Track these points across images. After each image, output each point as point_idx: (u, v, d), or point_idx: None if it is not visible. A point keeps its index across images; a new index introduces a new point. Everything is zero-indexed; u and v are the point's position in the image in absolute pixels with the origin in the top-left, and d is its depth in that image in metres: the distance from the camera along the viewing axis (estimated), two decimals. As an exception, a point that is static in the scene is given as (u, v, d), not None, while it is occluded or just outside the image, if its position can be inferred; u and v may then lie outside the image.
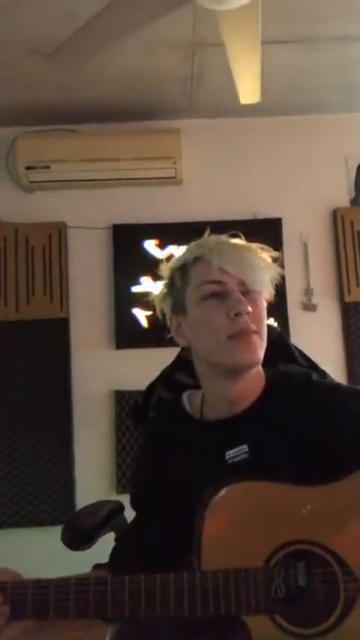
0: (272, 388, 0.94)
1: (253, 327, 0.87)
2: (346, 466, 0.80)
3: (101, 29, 1.63)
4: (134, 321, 2.52)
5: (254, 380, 0.92)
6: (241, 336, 0.87)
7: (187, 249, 0.95)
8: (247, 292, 0.89)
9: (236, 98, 2.00)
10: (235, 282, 0.88)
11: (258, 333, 0.88)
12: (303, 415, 0.88)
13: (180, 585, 0.73)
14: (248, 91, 1.96)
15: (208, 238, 0.95)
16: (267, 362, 0.98)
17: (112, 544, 1.06)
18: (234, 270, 0.88)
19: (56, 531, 1.24)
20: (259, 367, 0.94)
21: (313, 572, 0.76)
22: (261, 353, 0.89)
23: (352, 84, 2.47)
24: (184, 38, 2.09)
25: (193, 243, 0.96)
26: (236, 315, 0.86)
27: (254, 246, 0.94)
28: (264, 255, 0.93)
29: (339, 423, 0.87)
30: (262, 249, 0.94)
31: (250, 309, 0.87)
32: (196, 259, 0.91)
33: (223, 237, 0.95)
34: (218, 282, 0.88)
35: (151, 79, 2.36)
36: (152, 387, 1.16)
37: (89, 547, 1.17)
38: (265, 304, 0.92)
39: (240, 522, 0.78)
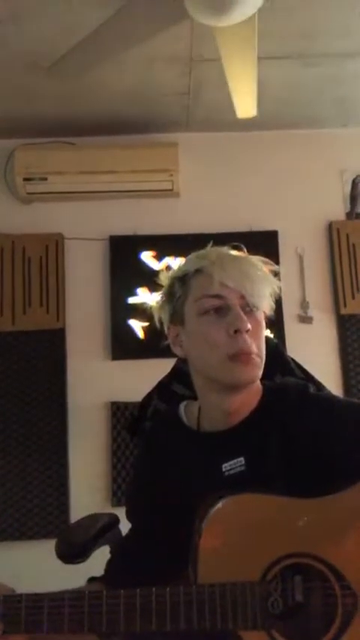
0: (269, 400, 0.93)
1: (253, 347, 0.87)
2: (343, 479, 0.80)
3: (100, 44, 1.65)
4: (131, 332, 2.52)
5: (251, 392, 0.92)
6: (240, 356, 0.86)
7: (189, 260, 0.94)
8: (247, 307, 0.88)
9: (233, 112, 2.02)
10: (235, 296, 0.88)
11: (257, 352, 0.88)
12: (300, 428, 0.88)
13: (176, 599, 0.72)
14: (245, 106, 1.98)
15: (210, 250, 0.95)
16: (263, 374, 0.98)
17: (107, 557, 1.05)
18: (235, 284, 0.87)
19: (50, 545, 1.22)
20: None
21: (310, 586, 0.75)
22: (259, 372, 0.89)
23: (347, 99, 2.50)
24: (181, 53, 2.12)
25: (194, 254, 0.95)
26: (235, 332, 0.86)
27: (256, 259, 0.93)
28: (265, 268, 0.92)
29: (336, 435, 0.87)
30: (264, 262, 0.93)
31: (249, 326, 0.86)
32: (197, 271, 0.91)
33: (225, 250, 0.94)
34: (218, 297, 0.88)
35: (149, 93, 2.39)
36: (148, 398, 1.16)
37: (84, 561, 1.16)
38: (264, 320, 0.92)
39: (237, 535, 0.77)
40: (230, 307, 0.87)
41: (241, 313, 0.87)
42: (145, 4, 1.51)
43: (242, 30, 1.56)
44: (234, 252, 0.94)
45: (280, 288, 0.94)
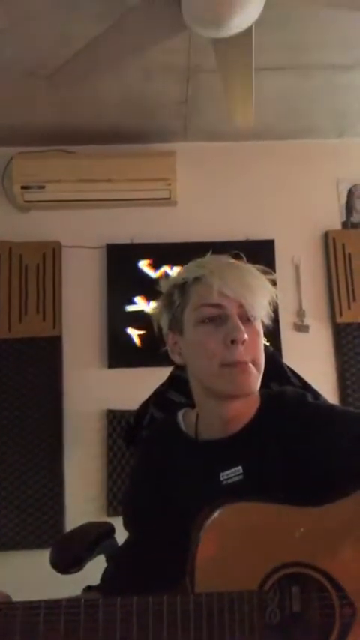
0: (267, 409, 0.93)
1: (248, 357, 0.86)
2: (340, 488, 0.79)
3: (98, 54, 1.66)
4: (127, 340, 2.51)
5: (249, 401, 0.92)
6: (235, 364, 0.86)
7: (188, 268, 0.94)
8: (245, 317, 0.88)
9: (230, 122, 2.04)
10: (234, 305, 0.88)
11: (254, 362, 0.87)
12: (298, 436, 0.88)
13: (173, 608, 0.71)
14: (242, 116, 2.00)
15: (210, 258, 0.94)
16: (261, 382, 0.98)
17: (103, 567, 1.04)
18: (234, 293, 0.87)
19: (45, 554, 1.21)
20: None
21: (308, 596, 0.74)
22: (256, 382, 0.88)
23: (343, 110, 2.53)
24: (179, 64, 2.14)
25: (193, 262, 0.94)
26: (232, 342, 0.86)
27: (255, 268, 0.93)
28: (264, 278, 0.92)
29: (334, 444, 0.87)
30: (262, 271, 0.93)
31: (246, 337, 0.86)
32: (197, 279, 0.90)
33: (225, 258, 0.94)
34: (217, 306, 0.88)
35: (147, 103, 2.41)
36: (145, 406, 1.16)
37: (79, 570, 1.14)
38: (262, 330, 0.91)
39: (234, 544, 0.77)
40: (229, 317, 0.87)
41: (239, 323, 0.87)
42: (143, 15, 1.52)
43: (239, 42, 1.58)
44: (234, 261, 0.94)
45: (278, 297, 0.94)
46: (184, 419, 0.99)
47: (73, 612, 0.70)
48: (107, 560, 1.17)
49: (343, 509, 0.79)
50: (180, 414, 1.00)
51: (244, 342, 0.86)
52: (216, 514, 0.77)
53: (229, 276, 0.88)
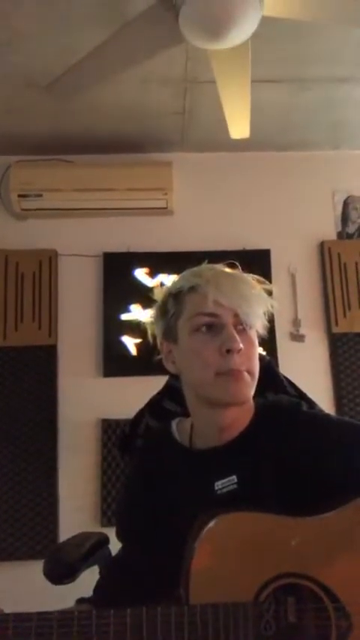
0: (262, 418, 0.93)
1: (243, 366, 0.87)
2: (335, 497, 0.79)
3: (97, 64, 1.68)
4: (123, 348, 2.51)
5: (244, 409, 0.92)
6: (230, 373, 0.86)
7: (183, 277, 0.94)
8: (240, 326, 0.88)
9: (226, 133, 2.06)
10: (229, 314, 0.88)
11: (249, 371, 0.88)
12: (293, 446, 0.88)
13: (167, 619, 0.70)
14: (238, 127, 2.02)
15: (205, 268, 0.95)
16: (256, 391, 0.98)
17: (96, 578, 1.03)
18: (229, 302, 0.87)
19: (38, 565, 1.20)
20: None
21: (304, 607, 0.74)
22: (250, 391, 0.89)
23: (339, 122, 2.56)
24: (177, 75, 2.16)
25: (189, 271, 0.95)
26: (228, 351, 0.86)
27: (250, 277, 0.93)
28: (259, 287, 0.92)
29: (329, 454, 0.87)
30: (258, 281, 0.93)
31: (241, 346, 0.86)
32: (192, 289, 0.91)
33: (220, 268, 0.94)
34: (212, 315, 0.88)
35: (145, 113, 2.42)
36: (140, 415, 1.15)
37: (72, 581, 1.13)
38: (257, 339, 0.91)
39: (229, 555, 0.76)
40: (224, 326, 0.87)
41: (234, 332, 0.87)
42: (142, 27, 1.54)
43: (236, 54, 1.59)
44: (229, 270, 0.94)
45: (273, 307, 0.93)
46: (179, 428, 0.99)
47: (66, 624, 0.69)
48: (100, 572, 1.16)
49: (338, 519, 0.78)
50: (174, 423, 1.00)
51: (239, 351, 0.86)
52: (210, 524, 0.77)
53: (224, 285, 0.89)
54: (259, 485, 0.85)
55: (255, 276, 0.94)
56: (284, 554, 0.76)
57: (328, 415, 1.02)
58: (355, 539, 0.77)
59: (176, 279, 0.96)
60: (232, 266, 0.96)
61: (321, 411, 1.06)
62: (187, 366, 0.92)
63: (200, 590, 0.74)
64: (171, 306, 0.93)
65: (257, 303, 0.90)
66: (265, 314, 0.92)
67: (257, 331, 0.93)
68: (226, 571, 0.75)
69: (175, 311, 0.93)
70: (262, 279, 0.94)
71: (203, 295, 0.88)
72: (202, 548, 0.75)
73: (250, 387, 0.88)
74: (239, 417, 0.92)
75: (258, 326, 0.91)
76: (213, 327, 0.88)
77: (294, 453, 0.87)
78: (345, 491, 0.80)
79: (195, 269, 0.95)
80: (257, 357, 0.91)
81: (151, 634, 0.70)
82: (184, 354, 0.92)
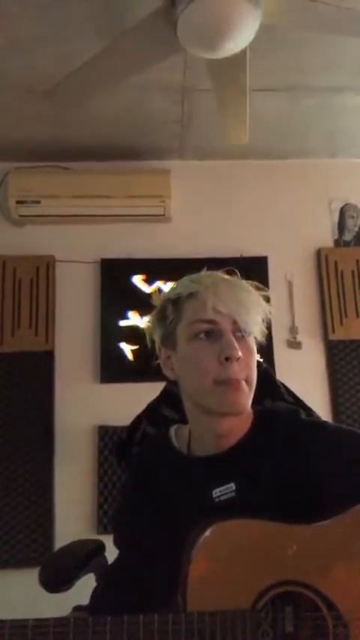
0: (260, 425, 0.93)
1: (242, 375, 0.86)
2: (333, 505, 0.79)
3: (96, 72, 1.69)
4: (120, 355, 2.51)
5: (242, 417, 0.91)
6: (228, 382, 0.86)
7: (182, 283, 0.94)
8: (239, 333, 0.88)
9: (224, 141, 2.07)
10: (228, 322, 0.87)
11: (247, 380, 0.87)
12: (292, 453, 0.88)
13: (164, 627, 0.70)
14: (236, 135, 2.03)
15: (204, 274, 0.94)
16: (254, 398, 0.98)
17: (92, 586, 1.02)
18: (228, 309, 0.87)
19: (34, 573, 1.18)
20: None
21: (301, 615, 0.73)
22: (247, 401, 0.88)
23: (336, 131, 2.57)
24: (175, 83, 2.17)
25: (187, 278, 0.94)
26: (226, 359, 0.85)
27: (249, 284, 0.93)
28: (258, 294, 0.92)
29: (327, 462, 0.86)
30: (257, 287, 0.93)
31: (240, 354, 0.86)
32: (191, 295, 0.90)
33: (219, 274, 0.94)
34: (211, 322, 0.87)
35: (143, 121, 2.44)
36: (137, 422, 1.15)
37: (68, 589, 1.12)
38: (255, 346, 0.91)
39: (227, 562, 0.76)
40: (222, 333, 0.87)
41: (233, 340, 0.86)
42: (140, 35, 1.55)
43: (234, 62, 1.61)
44: (227, 277, 0.94)
45: (271, 313, 0.93)
46: (177, 435, 0.99)
47: (62, 632, 0.68)
48: (97, 580, 1.15)
49: (336, 527, 0.78)
50: (172, 430, 1.00)
51: (238, 359, 0.85)
52: (208, 532, 0.76)
53: (222, 292, 0.88)
54: (258, 493, 0.85)
55: (253, 282, 0.94)
56: (282, 562, 0.76)
57: (325, 422, 1.01)
58: (354, 547, 0.77)
59: (174, 285, 0.96)
60: (230, 273, 0.95)
61: (318, 418, 1.06)
62: (186, 373, 0.91)
63: (198, 598, 0.73)
64: (170, 312, 0.93)
65: (256, 310, 0.90)
66: (263, 321, 0.92)
67: (255, 338, 0.92)
68: (223, 579, 0.75)
69: (174, 317, 0.92)
70: (260, 285, 0.94)
71: (202, 302, 0.88)
72: (199, 556, 0.75)
73: (248, 396, 0.88)
74: (237, 425, 0.91)
75: (256, 333, 0.91)
76: (212, 334, 0.87)
77: (293, 461, 0.87)
78: (343, 499, 0.79)
79: (194, 275, 0.94)
80: (255, 365, 0.90)
81: None
82: (183, 361, 0.91)
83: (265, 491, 0.84)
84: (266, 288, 0.95)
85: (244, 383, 0.86)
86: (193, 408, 0.93)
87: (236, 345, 0.86)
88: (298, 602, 0.74)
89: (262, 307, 0.91)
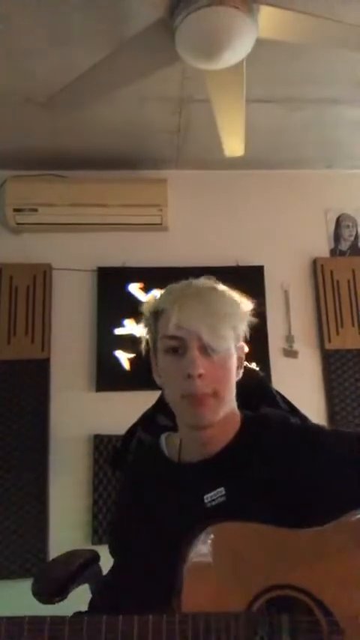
0: (249, 430, 0.94)
1: (207, 389, 0.86)
2: (325, 507, 0.79)
3: (94, 82, 1.70)
4: (116, 363, 2.50)
5: (227, 423, 0.92)
6: (192, 396, 0.87)
7: (160, 295, 0.95)
8: (205, 349, 0.87)
9: (221, 151, 2.08)
10: (193, 338, 0.87)
11: (215, 394, 0.87)
12: (280, 456, 0.88)
13: (159, 627, 0.69)
14: (232, 145, 2.05)
15: (177, 287, 0.94)
16: (250, 406, 0.98)
17: (86, 596, 1.01)
18: (191, 327, 0.87)
19: (27, 584, 1.17)
20: (233, 411, 0.93)
21: (297, 626, 0.72)
22: (215, 413, 0.88)
23: (331, 142, 2.60)
24: (172, 93, 2.19)
25: (166, 289, 0.95)
26: (189, 376, 0.86)
27: (228, 295, 0.91)
28: (234, 306, 0.90)
29: (317, 464, 0.87)
30: (238, 297, 0.92)
31: (202, 371, 0.86)
32: (162, 310, 0.92)
33: (193, 286, 0.93)
34: (176, 338, 0.88)
35: (141, 131, 2.45)
36: (132, 430, 1.14)
37: (62, 599, 1.11)
38: (230, 358, 0.90)
39: (222, 566, 0.76)
40: (186, 349, 0.87)
41: (195, 357, 0.86)
42: (139, 46, 1.56)
43: (231, 74, 1.62)
44: (204, 288, 0.92)
45: (248, 320, 0.92)
46: (167, 442, 0.99)
47: (57, 629, 0.68)
48: (92, 590, 1.14)
49: (331, 532, 0.78)
50: (163, 438, 1.01)
51: (199, 375, 0.86)
52: (202, 536, 0.76)
53: (188, 308, 0.88)
54: (248, 496, 0.85)
55: (233, 292, 0.93)
56: (277, 566, 0.76)
57: (315, 425, 1.02)
58: (348, 552, 0.77)
59: (156, 296, 0.97)
60: (212, 281, 0.94)
61: (309, 423, 1.06)
62: (164, 384, 0.94)
63: (192, 604, 0.73)
64: (151, 323, 0.95)
65: (224, 326, 0.88)
66: (234, 330, 0.90)
67: (242, 346, 0.92)
68: (218, 582, 0.75)
69: (154, 329, 0.94)
70: (240, 294, 0.93)
71: (168, 318, 0.89)
72: (193, 562, 0.75)
73: (214, 409, 0.88)
74: (221, 431, 0.92)
75: (223, 348, 0.88)
76: (178, 349, 0.88)
77: (282, 464, 0.87)
78: (337, 503, 0.79)
79: (170, 287, 0.95)
80: (229, 376, 0.90)
81: None
82: (162, 372, 0.94)
83: (256, 495, 0.85)
84: (247, 297, 0.94)
85: (210, 397, 0.87)
86: (177, 416, 0.95)
87: (197, 362, 0.86)
88: (293, 607, 0.73)
89: (232, 320, 0.89)
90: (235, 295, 0.93)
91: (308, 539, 0.78)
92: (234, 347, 0.91)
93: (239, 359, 0.94)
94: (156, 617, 0.70)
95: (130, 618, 0.70)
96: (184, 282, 0.95)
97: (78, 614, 0.91)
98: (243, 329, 0.93)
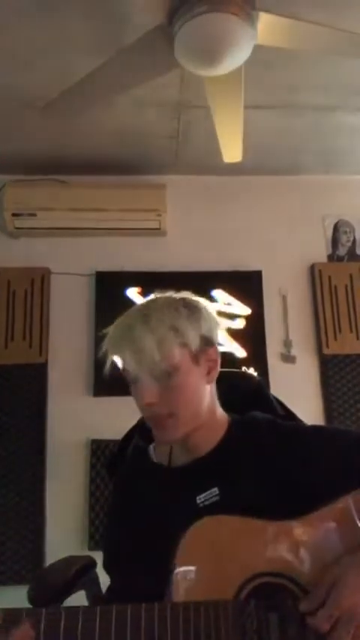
0: (237, 431, 0.95)
1: (162, 411, 0.88)
2: (316, 500, 0.82)
3: (93, 87, 1.71)
4: (114, 368, 2.49)
5: (209, 428, 0.94)
6: (150, 421, 0.91)
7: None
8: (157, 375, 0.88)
9: (219, 157, 2.09)
10: (138, 370, 0.90)
11: (170, 415, 0.89)
12: (269, 455, 0.91)
13: (151, 614, 0.71)
14: (231, 151, 2.05)
15: (111, 329, 0.94)
16: (245, 410, 0.99)
17: (83, 603, 1.00)
18: (130, 366, 0.89)
19: (23, 591, 1.16)
20: (212, 417, 0.94)
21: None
22: (177, 431, 0.90)
23: (328, 148, 2.61)
24: (171, 99, 2.20)
25: (111, 326, 0.95)
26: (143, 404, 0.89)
27: (149, 323, 0.88)
28: (173, 322, 0.88)
29: (306, 460, 0.90)
30: (181, 301, 0.93)
31: (150, 400, 0.88)
32: (106, 352, 0.95)
33: (125, 323, 0.92)
34: (125, 370, 0.92)
35: (140, 136, 2.46)
36: (129, 435, 1.14)
37: (58, 606, 1.10)
38: (185, 377, 0.88)
39: (207, 560, 0.78)
40: (137, 380, 0.90)
41: (144, 387, 0.88)
42: (138, 52, 1.57)
43: (230, 80, 1.63)
44: (133, 321, 0.90)
45: (207, 324, 0.91)
46: (159, 448, 1.00)
47: (54, 619, 0.69)
48: (87, 597, 1.14)
49: (314, 522, 0.81)
50: (152, 444, 1.02)
51: (149, 404, 0.88)
52: (187, 534, 0.78)
53: (118, 346, 0.91)
54: (241, 495, 0.87)
55: (186, 300, 0.93)
56: (264, 555, 0.79)
57: (304, 424, 1.04)
58: (335, 541, 0.80)
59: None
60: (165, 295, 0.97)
61: (298, 422, 1.08)
62: None
63: (183, 589, 0.75)
64: None
65: (162, 350, 0.86)
66: (196, 341, 0.88)
67: (207, 350, 0.90)
68: (205, 575, 0.77)
69: None
70: (191, 300, 0.93)
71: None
72: (181, 558, 0.76)
73: (174, 428, 0.89)
74: (205, 436, 0.94)
75: (174, 369, 0.87)
76: (133, 379, 0.91)
77: (272, 461, 0.89)
78: (324, 496, 0.83)
79: (108, 329, 0.95)
80: (185, 394, 0.89)
81: (135, 630, 0.70)
82: None
83: (248, 492, 0.86)
84: (199, 301, 0.95)
85: (167, 419, 0.89)
86: None
87: (146, 392, 0.88)
88: (278, 593, 0.76)
89: (178, 338, 0.87)
90: (177, 311, 0.90)
91: (291, 529, 0.81)
92: (190, 360, 0.89)
93: (209, 362, 0.92)
94: (148, 605, 0.71)
95: (124, 607, 0.71)
96: (118, 321, 0.94)
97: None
98: (200, 335, 0.90)
